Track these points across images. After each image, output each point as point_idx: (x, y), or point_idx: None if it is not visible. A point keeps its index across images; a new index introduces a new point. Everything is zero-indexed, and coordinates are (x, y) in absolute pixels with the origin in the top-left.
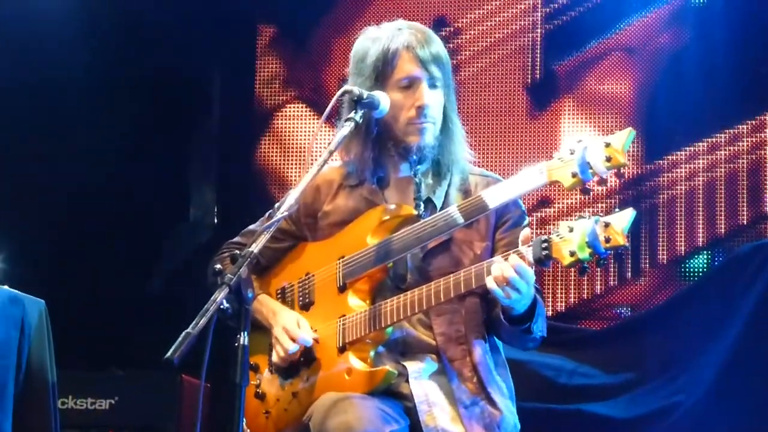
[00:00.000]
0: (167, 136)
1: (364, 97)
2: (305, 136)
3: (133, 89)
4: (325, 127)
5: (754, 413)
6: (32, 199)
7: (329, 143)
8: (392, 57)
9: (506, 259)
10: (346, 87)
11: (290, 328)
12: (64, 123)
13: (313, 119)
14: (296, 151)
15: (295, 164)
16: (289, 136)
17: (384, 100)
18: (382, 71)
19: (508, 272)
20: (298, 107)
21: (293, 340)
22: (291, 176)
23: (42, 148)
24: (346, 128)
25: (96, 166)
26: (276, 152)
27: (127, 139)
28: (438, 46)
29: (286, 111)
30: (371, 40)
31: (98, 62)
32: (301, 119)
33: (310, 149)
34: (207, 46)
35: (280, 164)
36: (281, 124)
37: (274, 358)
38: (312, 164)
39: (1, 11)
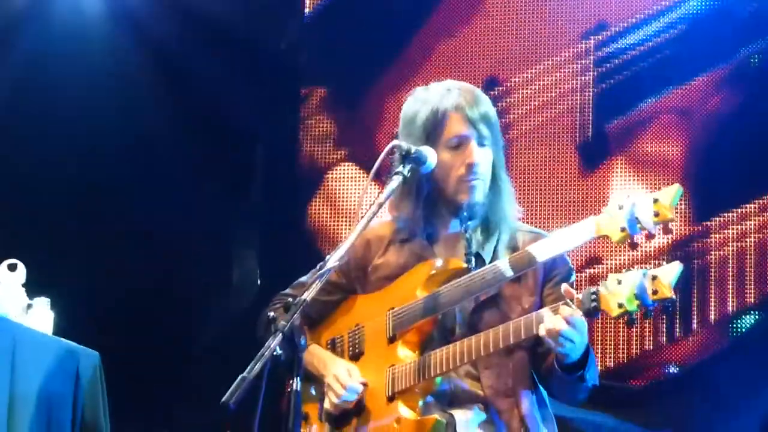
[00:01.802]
0: (212, 198)
1: (412, 151)
2: (356, 195)
3: (178, 148)
4: (374, 185)
5: None
6: (86, 253)
7: (377, 198)
8: (442, 118)
9: (557, 312)
10: (394, 142)
11: (342, 376)
12: (112, 182)
13: (364, 178)
14: (347, 211)
15: (346, 223)
16: (340, 195)
17: (431, 155)
18: (432, 132)
19: (559, 325)
20: (349, 167)
21: (344, 387)
22: (341, 235)
23: (92, 202)
24: (394, 182)
25: (143, 226)
26: (327, 212)
27: (173, 199)
28: (486, 106)
29: (337, 171)
30: (420, 101)
31: (146, 119)
32: (353, 179)
33: (360, 203)
34: (252, 107)
35: (330, 224)
36: (332, 184)
37: (326, 405)
38: (361, 218)
39: (46, 61)
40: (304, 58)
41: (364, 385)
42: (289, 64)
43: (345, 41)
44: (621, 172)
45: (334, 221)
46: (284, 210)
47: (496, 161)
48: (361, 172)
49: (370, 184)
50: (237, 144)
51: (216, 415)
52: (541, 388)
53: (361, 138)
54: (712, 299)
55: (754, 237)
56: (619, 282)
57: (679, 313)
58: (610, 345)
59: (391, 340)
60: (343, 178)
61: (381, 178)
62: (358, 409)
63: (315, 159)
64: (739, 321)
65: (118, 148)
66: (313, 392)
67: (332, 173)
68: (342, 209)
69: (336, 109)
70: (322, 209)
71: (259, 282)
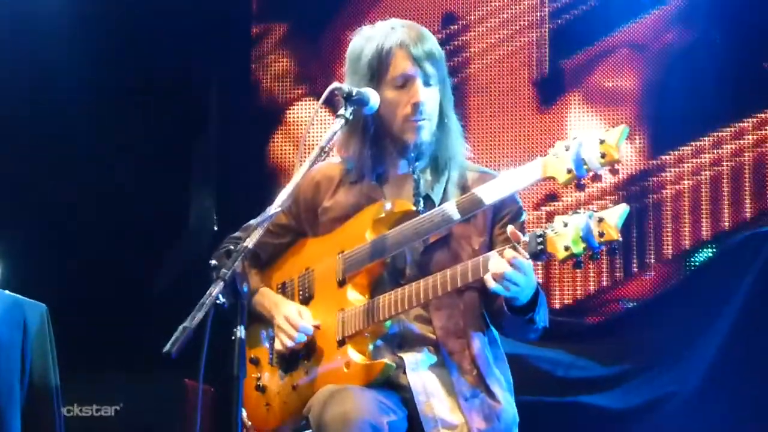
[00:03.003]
0: (165, 143)
1: (354, 94)
2: (317, 131)
3: (130, 95)
4: (324, 109)
5: (747, 403)
6: (33, 205)
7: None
8: (386, 55)
9: (502, 255)
10: (335, 84)
11: (292, 317)
12: (63, 130)
13: (326, 114)
14: (309, 147)
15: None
16: (301, 132)
17: (374, 96)
18: (377, 70)
19: (503, 267)
20: (310, 102)
21: (295, 328)
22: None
23: (41, 155)
24: (336, 124)
25: (95, 172)
26: (289, 149)
27: (126, 145)
28: (431, 44)
29: (297, 107)
30: (365, 39)
31: (94, 69)
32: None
33: (303, 139)
34: (203, 48)
35: (293, 161)
36: (293, 120)
37: (277, 346)
38: (305, 158)
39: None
40: None
41: (316, 327)
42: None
43: None
44: (577, 107)
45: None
46: (243, 150)
47: (443, 100)
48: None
49: (319, 111)
50: (191, 86)
51: (171, 359)
52: (492, 327)
53: (321, 73)
54: (668, 235)
55: (709, 171)
56: (565, 224)
57: (636, 249)
58: (567, 282)
59: (341, 283)
60: (304, 114)
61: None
62: (308, 353)
63: (274, 96)
64: (694, 256)
65: (70, 94)
66: (264, 336)
67: (292, 110)
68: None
69: (294, 46)
70: (284, 146)
71: (215, 226)
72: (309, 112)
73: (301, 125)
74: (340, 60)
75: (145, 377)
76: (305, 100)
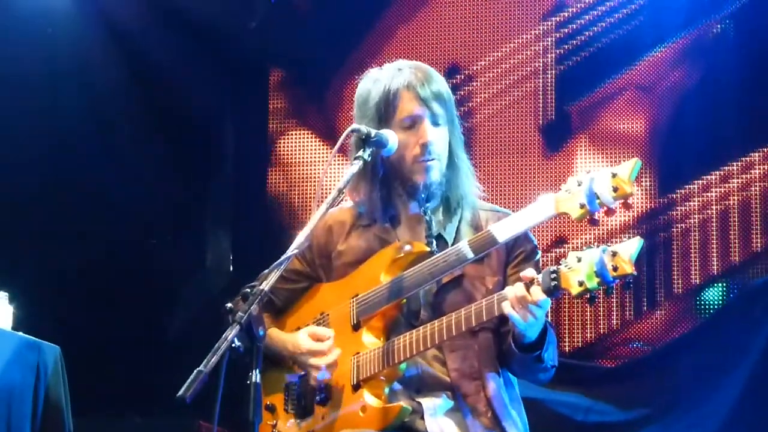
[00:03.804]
0: (182, 184)
1: (372, 135)
2: (312, 163)
3: (147, 135)
4: (337, 159)
5: None
6: (49, 245)
7: (339, 178)
8: (393, 97)
9: (519, 286)
10: (354, 126)
11: (313, 346)
12: (80, 172)
13: (321, 146)
14: (302, 181)
15: (307, 206)
16: (295, 164)
17: (392, 138)
18: (385, 112)
19: (522, 293)
20: (303, 133)
21: (321, 354)
22: (303, 218)
23: (56, 194)
24: (354, 166)
25: (112, 214)
26: (288, 194)
27: (144, 186)
28: (438, 84)
29: (291, 137)
30: (372, 81)
31: (115, 108)
32: (307, 145)
33: (319, 182)
34: (221, 91)
35: (292, 206)
36: (287, 150)
37: (312, 381)
38: (321, 202)
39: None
40: (269, 39)
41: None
42: (255, 45)
43: (308, 24)
44: (585, 150)
45: (288, 190)
46: (260, 192)
47: (452, 139)
48: (316, 137)
49: (332, 161)
50: (209, 127)
51: (186, 404)
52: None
53: (323, 122)
54: (677, 271)
55: (716, 207)
56: (579, 259)
57: (645, 288)
58: (577, 324)
59: (356, 327)
60: (297, 143)
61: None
62: (323, 398)
63: (278, 137)
64: (704, 293)
65: (86, 132)
66: (280, 382)
67: (284, 139)
68: (297, 179)
69: (296, 91)
70: (280, 181)
71: (231, 267)
72: (303, 142)
73: (295, 157)
74: (341, 108)
75: (159, 419)
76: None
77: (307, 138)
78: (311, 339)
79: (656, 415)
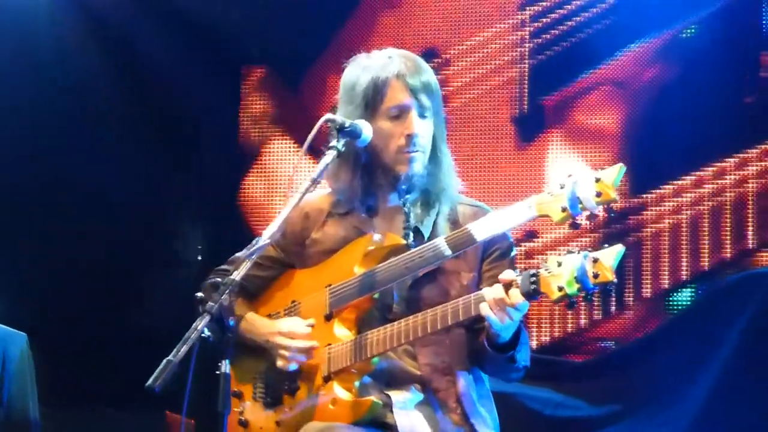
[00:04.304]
0: (152, 174)
1: (346, 125)
2: (285, 157)
3: (120, 127)
4: (308, 158)
5: None
6: (17, 235)
7: (312, 172)
8: (382, 85)
9: (498, 288)
10: (328, 115)
11: (290, 328)
12: (48, 159)
13: (293, 143)
14: (282, 186)
15: (281, 199)
16: (275, 171)
17: (366, 129)
18: (372, 100)
19: (501, 296)
20: (285, 143)
21: (295, 337)
22: (276, 214)
23: (25, 184)
24: (328, 156)
25: (80, 203)
26: (262, 188)
27: (115, 173)
28: (428, 75)
29: (272, 146)
30: (361, 68)
31: (84, 97)
32: (288, 154)
33: (291, 179)
34: (193, 86)
35: (265, 200)
36: (267, 159)
37: (279, 363)
38: (294, 191)
39: None
40: (246, 36)
41: (311, 326)
42: (232, 42)
43: (284, 18)
44: (557, 144)
45: (268, 197)
46: (223, 186)
47: (437, 133)
48: (297, 146)
49: (303, 159)
50: (180, 119)
51: (155, 393)
52: None
53: (300, 118)
54: (647, 274)
55: (689, 211)
56: (560, 264)
57: (615, 289)
58: (545, 320)
59: (328, 317)
60: (279, 153)
61: (315, 153)
62: (292, 388)
63: (252, 137)
64: (673, 296)
65: (61, 122)
66: (249, 370)
67: (267, 149)
68: (276, 185)
69: (275, 87)
70: (256, 185)
71: (199, 256)
72: (284, 151)
73: (274, 164)
74: (321, 101)
75: (126, 408)
76: (281, 140)
77: (282, 134)
78: (290, 323)
79: (627, 411)
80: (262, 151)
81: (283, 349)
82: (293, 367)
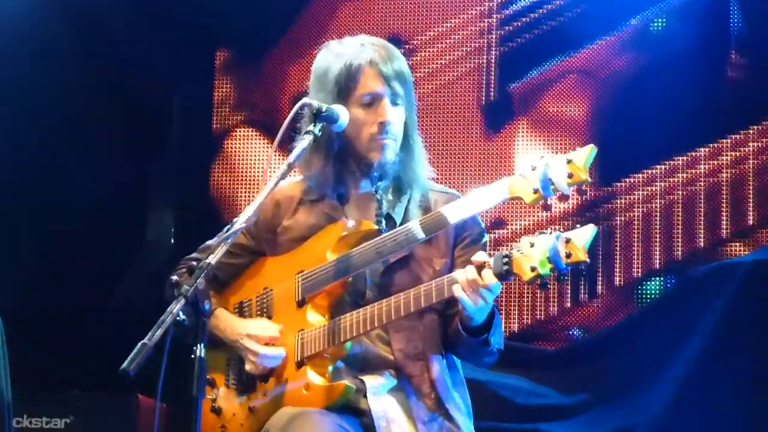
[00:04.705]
0: (127, 155)
1: (323, 110)
2: (255, 160)
3: (91, 107)
4: (278, 154)
5: None
6: None
7: (285, 160)
8: (355, 72)
9: (470, 270)
10: (305, 100)
11: (259, 333)
12: (21, 139)
13: (264, 142)
14: (245, 176)
15: (245, 189)
16: (238, 161)
17: (343, 114)
18: (345, 87)
19: (474, 277)
20: (246, 131)
21: (264, 342)
22: (241, 201)
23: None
24: (305, 141)
25: (53, 183)
26: (226, 178)
27: (87, 156)
28: (401, 63)
29: (235, 134)
30: (334, 55)
31: (56, 78)
32: (251, 143)
33: (267, 163)
34: (167, 68)
35: (230, 189)
36: (231, 148)
37: (248, 367)
38: (269, 179)
39: None
40: (216, 19)
41: (279, 332)
42: (201, 25)
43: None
44: (525, 133)
45: (232, 186)
46: (194, 171)
47: (409, 121)
48: (259, 134)
49: (275, 153)
50: (153, 100)
51: (129, 377)
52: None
53: (263, 101)
54: (619, 263)
55: (661, 200)
56: (532, 245)
57: (585, 277)
58: (515, 308)
59: (300, 303)
60: (241, 140)
61: (285, 146)
62: (264, 375)
63: (216, 122)
64: (644, 285)
65: (31, 106)
66: (223, 358)
67: (231, 137)
68: (240, 174)
69: (238, 72)
70: (222, 174)
71: (173, 240)
72: (246, 139)
73: (238, 153)
74: (283, 86)
75: (97, 390)
76: (243, 128)
77: (250, 121)
78: (257, 327)
79: (597, 400)
80: (227, 135)
81: (252, 354)
82: (260, 372)
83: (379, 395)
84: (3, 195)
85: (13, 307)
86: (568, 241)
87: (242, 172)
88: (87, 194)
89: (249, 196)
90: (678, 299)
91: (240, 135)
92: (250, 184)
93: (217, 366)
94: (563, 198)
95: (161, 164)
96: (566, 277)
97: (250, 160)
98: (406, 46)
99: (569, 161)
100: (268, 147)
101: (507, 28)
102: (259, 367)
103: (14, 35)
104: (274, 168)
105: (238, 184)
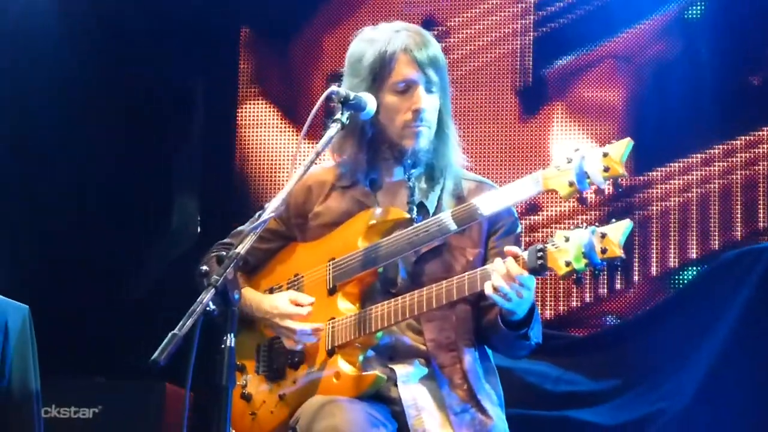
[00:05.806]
0: (151, 143)
1: (351, 98)
2: (280, 145)
3: (115, 96)
4: (306, 141)
5: (738, 419)
6: (16, 205)
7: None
8: (389, 60)
9: (503, 267)
10: (332, 88)
11: (295, 299)
12: (45, 130)
13: (289, 128)
14: (271, 161)
15: (271, 174)
16: (263, 145)
17: (371, 102)
18: (379, 74)
19: (504, 280)
20: (271, 113)
21: (296, 318)
22: (267, 186)
23: (25, 154)
24: (333, 129)
25: (80, 173)
26: (254, 157)
27: (111, 145)
28: (435, 49)
29: (260, 119)
30: (368, 41)
31: (79, 69)
32: (275, 126)
33: (297, 150)
34: (190, 53)
35: (259, 169)
36: (254, 132)
37: (286, 344)
38: (299, 165)
39: None
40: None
41: (311, 304)
42: (226, 4)
43: None
44: (560, 117)
45: (261, 166)
46: (220, 156)
47: (443, 108)
48: (276, 112)
49: (304, 139)
50: (177, 87)
51: (159, 367)
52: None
53: (287, 86)
54: (655, 252)
55: (698, 190)
56: (567, 239)
57: (621, 266)
58: (550, 297)
59: (331, 291)
60: (266, 125)
61: (313, 132)
62: (295, 362)
63: (241, 103)
64: (680, 275)
65: (52, 94)
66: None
67: (254, 122)
68: (266, 159)
69: (264, 53)
70: (250, 155)
71: (199, 228)
72: (272, 124)
73: (265, 133)
74: (316, 65)
75: (126, 379)
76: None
77: (273, 105)
78: (290, 303)
79: (626, 386)
80: (238, 113)
81: (289, 330)
82: (300, 347)
83: (410, 384)
84: (24, 186)
85: (40, 297)
86: (603, 236)
87: (268, 156)
88: (110, 181)
89: (275, 181)
90: (707, 285)
91: (265, 118)
92: (276, 168)
93: (246, 352)
94: (599, 192)
95: (185, 152)
96: (600, 272)
97: (276, 144)
98: (441, 28)
99: (605, 154)
100: (294, 131)
101: (543, 11)
102: (298, 344)
103: (29, 22)
104: (304, 155)
105: (263, 168)
